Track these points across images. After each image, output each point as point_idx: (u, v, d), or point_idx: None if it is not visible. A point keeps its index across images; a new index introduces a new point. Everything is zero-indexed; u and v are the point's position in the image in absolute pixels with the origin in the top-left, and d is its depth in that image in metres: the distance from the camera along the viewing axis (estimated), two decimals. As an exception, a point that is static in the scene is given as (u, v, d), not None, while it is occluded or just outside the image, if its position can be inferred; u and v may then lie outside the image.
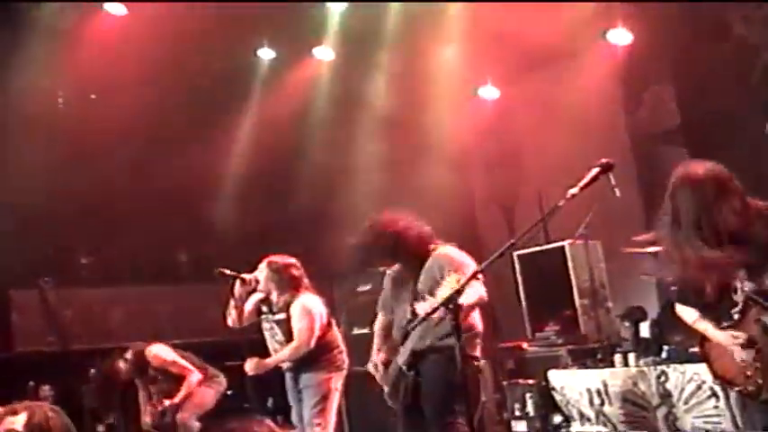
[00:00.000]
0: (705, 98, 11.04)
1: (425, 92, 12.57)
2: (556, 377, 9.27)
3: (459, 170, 13.33)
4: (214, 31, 11.50)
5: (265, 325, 8.48)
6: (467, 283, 5.37)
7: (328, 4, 12.16)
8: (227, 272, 8.39)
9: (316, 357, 8.27)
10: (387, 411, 7.90)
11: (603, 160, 5.10)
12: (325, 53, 12.86)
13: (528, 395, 9.61)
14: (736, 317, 4.95)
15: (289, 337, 8.28)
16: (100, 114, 11.80)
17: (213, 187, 13.09)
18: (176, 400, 9.37)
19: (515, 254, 11.11)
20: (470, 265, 6.76)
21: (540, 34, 11.16)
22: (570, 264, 10.53)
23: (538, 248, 11.00)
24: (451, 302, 5.15)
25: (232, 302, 8.43)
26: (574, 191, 4.97)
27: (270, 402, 10.70)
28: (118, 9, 11.30)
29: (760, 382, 4.83)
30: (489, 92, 13.60)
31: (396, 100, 12.90)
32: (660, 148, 12.02)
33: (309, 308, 8.25)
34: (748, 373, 4.89)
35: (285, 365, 8.38)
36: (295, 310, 8.24)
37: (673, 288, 5.56)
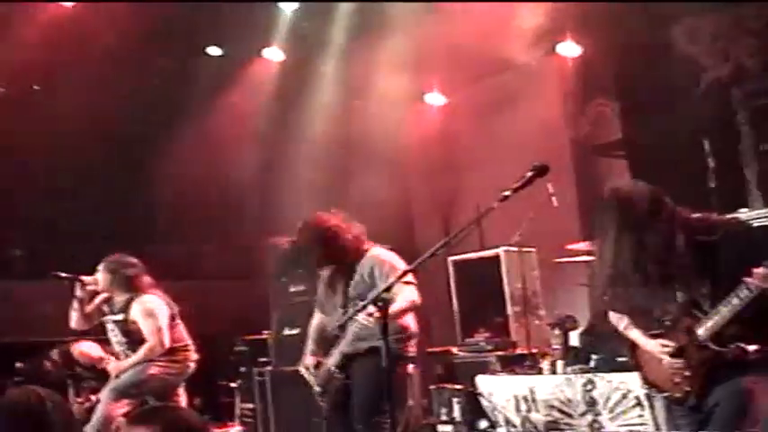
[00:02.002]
0: (647, 113, 11.10)
1: (372, 95, 12.52)
2: (483, 383, 9.25)
3: (400, 175, 13.32)
4: (162, 28, 11.38)
5: (108, 326, 8.47)
6: (396, 281, 5.39)
7: (279, 5, 12.09)
8: (63, 274, 8.35)
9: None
10: (313, 411, 7.88)
11: (538, 163, 5.06)
12: (274, 54, 12.80)
13: (455, 400, 9.58)
14: (667, 324, 4.95)
15: (127, 337, 8.29)
16: (41, 106, 11.60)
17: (156, 183, 12.95)
18: (100, 395, 9.29)
19: (450, 259, 11.10)
20: (400, 265, 6.79)
21: (489, 43, 11.17)
22: (504, 271, 10.53)
23: (473, 255, 11.00)
24: (380, 300, 5.12)
25: (74, 304, 8.40)
26: (507, 192, 4.95)
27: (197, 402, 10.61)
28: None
29: (688, 389, 4.85)
30: (435, 98, 13.60)
31: (342, 102, 12.87)
32: (600, 161, 12.09)
33: (150, 308, 8.22)
34: (677, 379, 4.92)
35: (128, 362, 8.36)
36: (135, 311, 8.27)
37: (605, 297, 5.57)
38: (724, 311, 4.67)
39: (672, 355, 4.93)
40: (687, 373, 4.87)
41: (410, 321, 7.12)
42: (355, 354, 6.96)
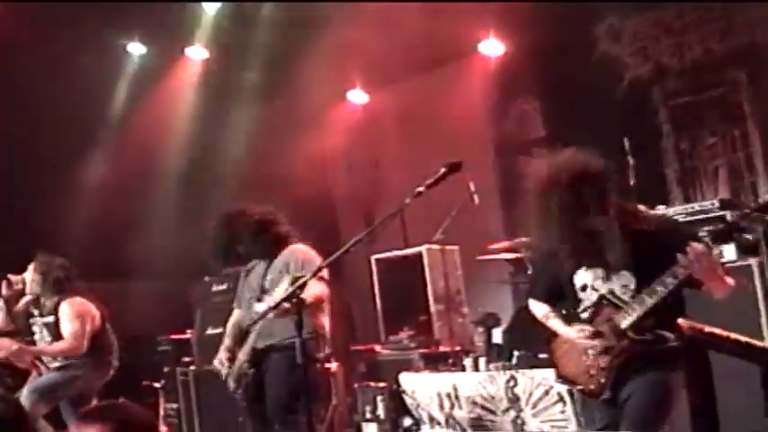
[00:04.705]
0: (569, 112, 11.20)
1: (295, 92, 12.48)
2: (407, 380, 9.27)
3: (323, 172, 13.31)
4: (83, 23, 11.22)
5: (35, 328, 8.44)
6: (310, 278, 5.38)
7: (203, 4, 12.00)
8: None
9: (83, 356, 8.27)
10: (237, 410, 7.87)
11: (452, 160, 5.08)
12: (197, 52, 12.70)
13: (379, 398, 9.57)
14: (585, 315, 4.99)
15: (57, 339, 8.31)
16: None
17: (78, 184, 12.78)
18: (18, 395, 9.15)
19: (372, 258, 11.10)
20: (316, 261, 6.78)
21: (412, 40, 11.20)
22: (427, 269, 10.54)
23: (396, 253, 11.01)
24: (294, 298, 5.11)
25: (0, 303, 8.34)
26: (420, 189, 4.96)
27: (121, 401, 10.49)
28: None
29: (602, 381, 4.88)
30: (358, 96, 13.60)
31: (264, 101, 12.83)
32: (522, 159, 12.16)
33: (80, 310, 8.19)
34: (592, 372, 4.94)
35: (53, 364, 8.36)
36: (63, 311, 8.24)
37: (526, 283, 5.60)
38: (648, 301, 4.68)
39: (590, 338, 4.92)
40: (602, 365, 4.88)
41: (324, 321, 7.12)
42: (266, 349, 6.96)
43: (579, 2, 10.78)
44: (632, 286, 4.84)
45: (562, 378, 5.29)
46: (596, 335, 4.90)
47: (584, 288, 5.02)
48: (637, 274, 4.82)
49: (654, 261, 4.70)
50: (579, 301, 5.04)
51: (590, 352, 4.97)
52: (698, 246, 4.52)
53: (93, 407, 3.74)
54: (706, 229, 4.81)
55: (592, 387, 4.97)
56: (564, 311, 5.21)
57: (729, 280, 4.77)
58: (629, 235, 4.84)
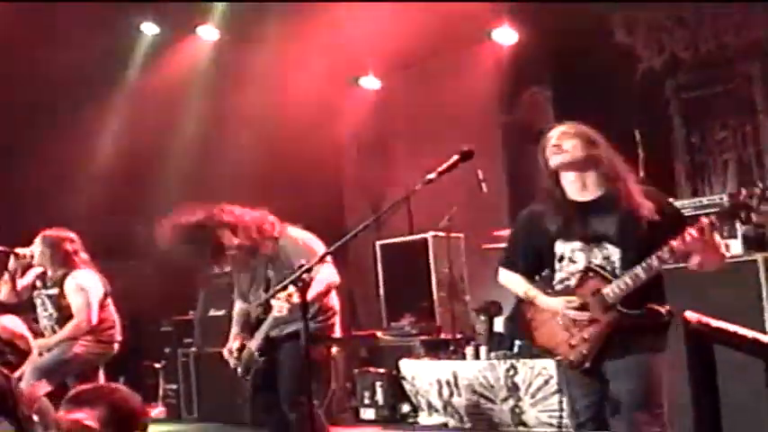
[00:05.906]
0: (580, 102, 11.12)
1: (307, 77, 12.43)
2: (407, 367, 9.28)
3: (333, 156, 13.26)
4: (96, 3, 11.16)
5: (38, 300, 8.39)
6: (317, 262, 5.31)
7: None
8: (0, 248, 8.28)
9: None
10: (236, 392, 7.82)
11: (464, 147, 5.00)
12: (208, 32, 12.63)
13: (378, 384, 9.59)
14: (560, 287, 4.82)
15: (59, 311, 8.20)
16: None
17: (86, 162, 12.77)
18: (17, 374, 9.10)
19: (378, 243, 11.08)
20: (313, 243, 6.70)
21: (425, 27, 11.14)
22: (431, 256, 10.52)
23: (401, 239, 10.99)
24: (300, 281, 5.04)
25: (6, 276, 8.31)
26: (431, 176, 4.87)
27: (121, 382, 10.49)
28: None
29: (584, 352, 4.74)
30: (370, 82, 13.56)
31: (275, 84, 12.76)
32: (532, 148, 12.08)
33: (83, 284, 8.13)
34: (572, 342, 4.75)
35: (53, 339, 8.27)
36: (69, 286, 8.15)
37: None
38: (642, 275, 4.54)
39: (577, 310, 4.72)
40: (585, 336, 4.72)
41: (333, 301, 7.06)
42: (280, 338, 6.90)
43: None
44: (615, 258, 4.70)
45: (539, 348, 5.07)
46: (583, 307, 4.74)
47: (561, 259, 4.85)
48: (622, 246, 4.69)
49: (644, 235, 4.61)
50: (553, 271, 4.89)
51: (574, 323, 4.79)
52: (704, 221, 4.46)
53: (80, 390, 3.62)
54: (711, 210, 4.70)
55: (572, 358, 4.75)
56: (538, 278, 5.01)
57: (723, 250, 4.75)
58: (619, 207, 4.72)
